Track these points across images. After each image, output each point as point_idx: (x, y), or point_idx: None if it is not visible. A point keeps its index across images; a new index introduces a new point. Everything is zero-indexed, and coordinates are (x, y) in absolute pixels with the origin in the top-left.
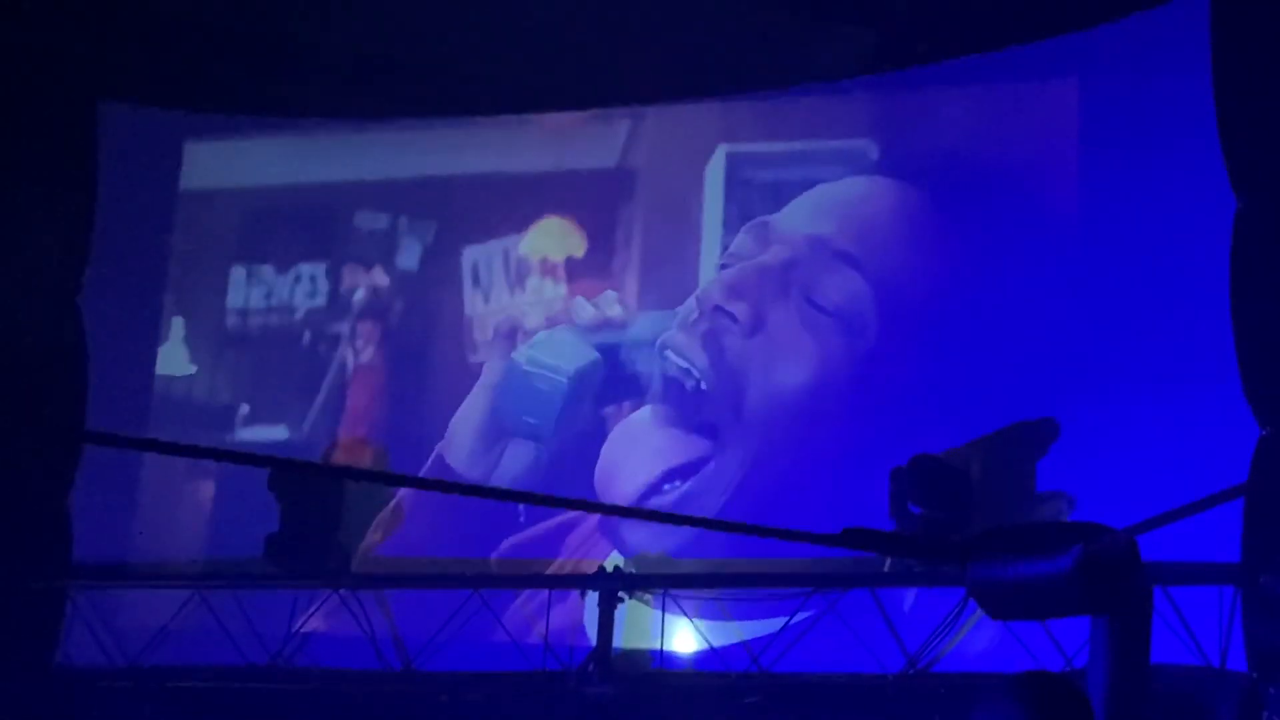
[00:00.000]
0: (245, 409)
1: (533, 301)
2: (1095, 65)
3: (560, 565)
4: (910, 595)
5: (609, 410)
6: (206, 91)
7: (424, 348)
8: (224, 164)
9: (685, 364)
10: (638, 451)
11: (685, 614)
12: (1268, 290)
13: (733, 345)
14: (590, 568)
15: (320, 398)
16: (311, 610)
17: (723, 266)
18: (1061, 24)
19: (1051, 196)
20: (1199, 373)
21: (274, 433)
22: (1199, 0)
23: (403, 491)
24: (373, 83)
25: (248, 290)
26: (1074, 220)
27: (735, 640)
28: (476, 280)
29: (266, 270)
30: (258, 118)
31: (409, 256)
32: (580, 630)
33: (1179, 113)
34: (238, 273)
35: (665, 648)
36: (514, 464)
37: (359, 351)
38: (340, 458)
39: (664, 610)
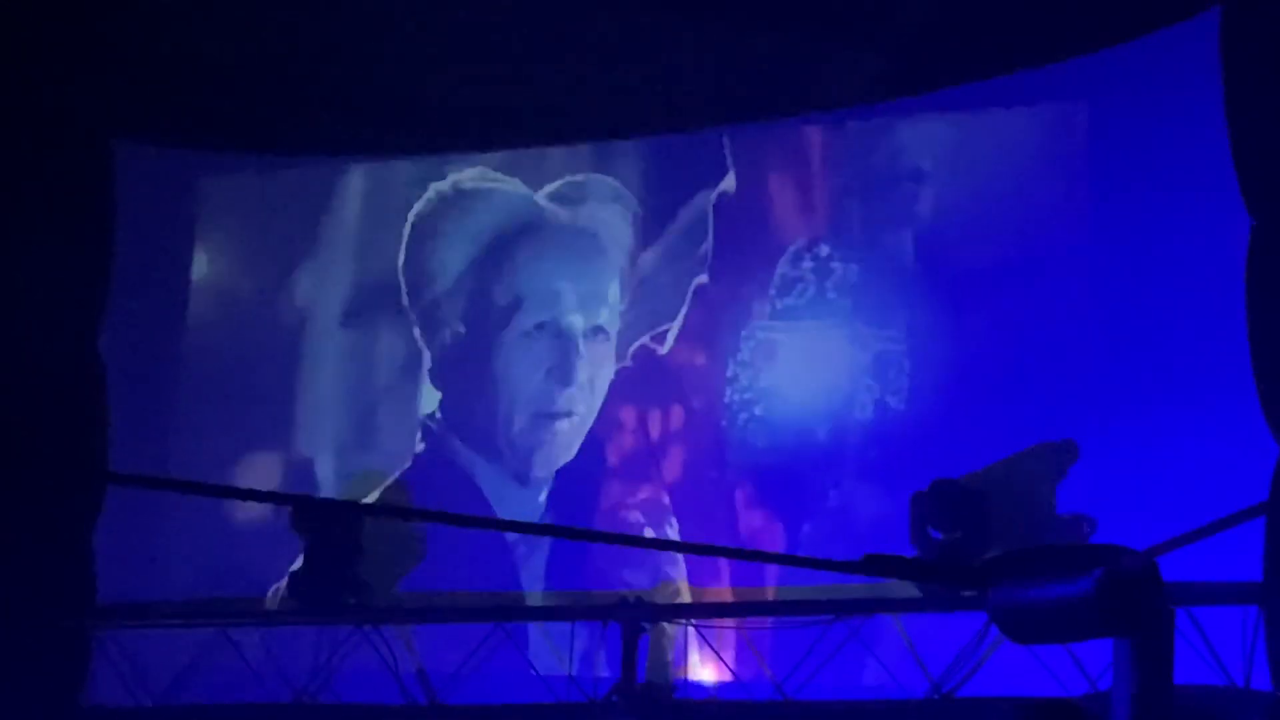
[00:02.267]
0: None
1: None
2: (1105, 87)
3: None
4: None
5: None
6: (221, 130)
7: None
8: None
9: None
10: None
11: (708, 643)
12: None
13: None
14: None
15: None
16: (336, 646)
17: None
18: (1071, 48)
19: (1066, 218)
20: (1217, 392)
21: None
22: (1209, 19)
23: (425, 525)
24: (386, 119)
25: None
26: (1089, 241)
27: (758, 669)
28: None
29: None
30: (273, 156)
31: None
32: (604, 661)
33: (1192, 132)
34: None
35: (689, 677)
36: None
37: None
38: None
39: (686, 640)
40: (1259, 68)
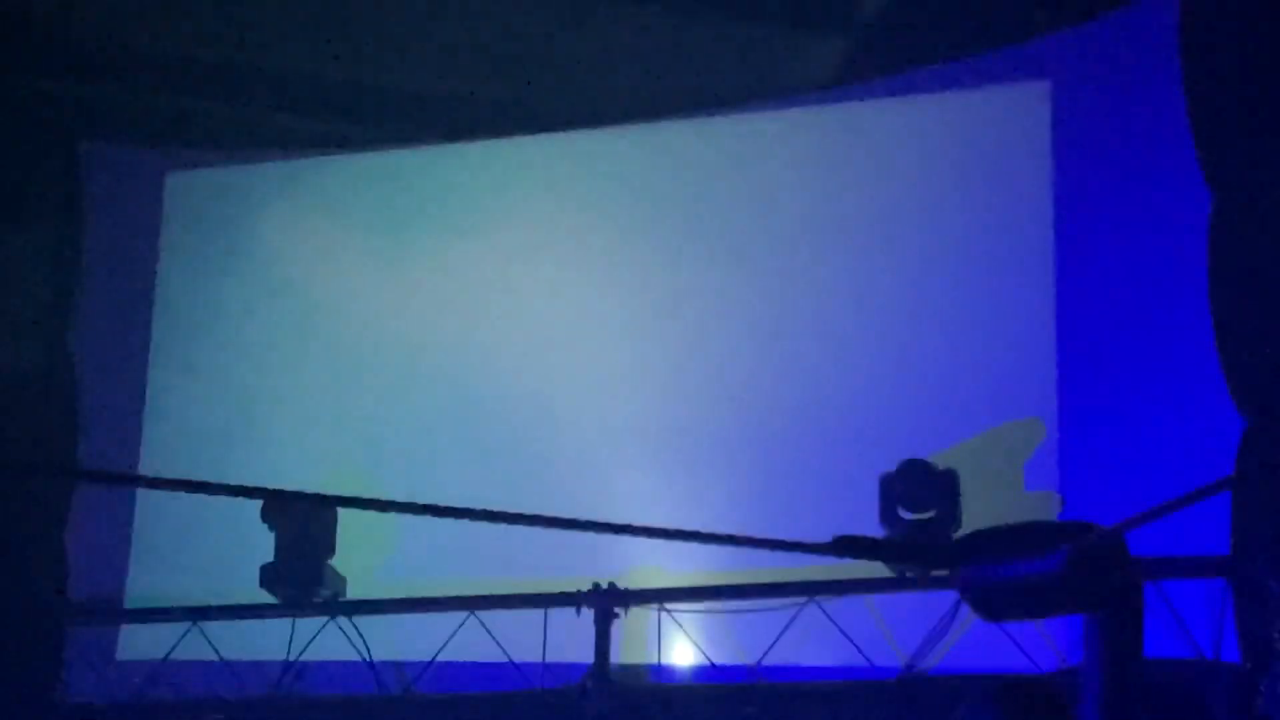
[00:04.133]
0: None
1: None
2: (1068, 67)
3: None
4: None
5: None
6: (189, 128)
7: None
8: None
9: None
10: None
11: (681, 627)
12: (1245, 282)
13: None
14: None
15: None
16: (309, 638)
17: None
18: (1033, 27)
19: (1031, 195)
20: (1183, 367)
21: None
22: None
23: (396, 515)
24: (362, 111)
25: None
26: (1054, 218)
27: (732, 651)
28: None
29: None
30: (241, 151)
31: None
32: (577, 647)
33: (1156, 109)
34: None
35: (663, 661)
36: None
37: None
38: None
39: (660, 624)
40: (1217, 42)
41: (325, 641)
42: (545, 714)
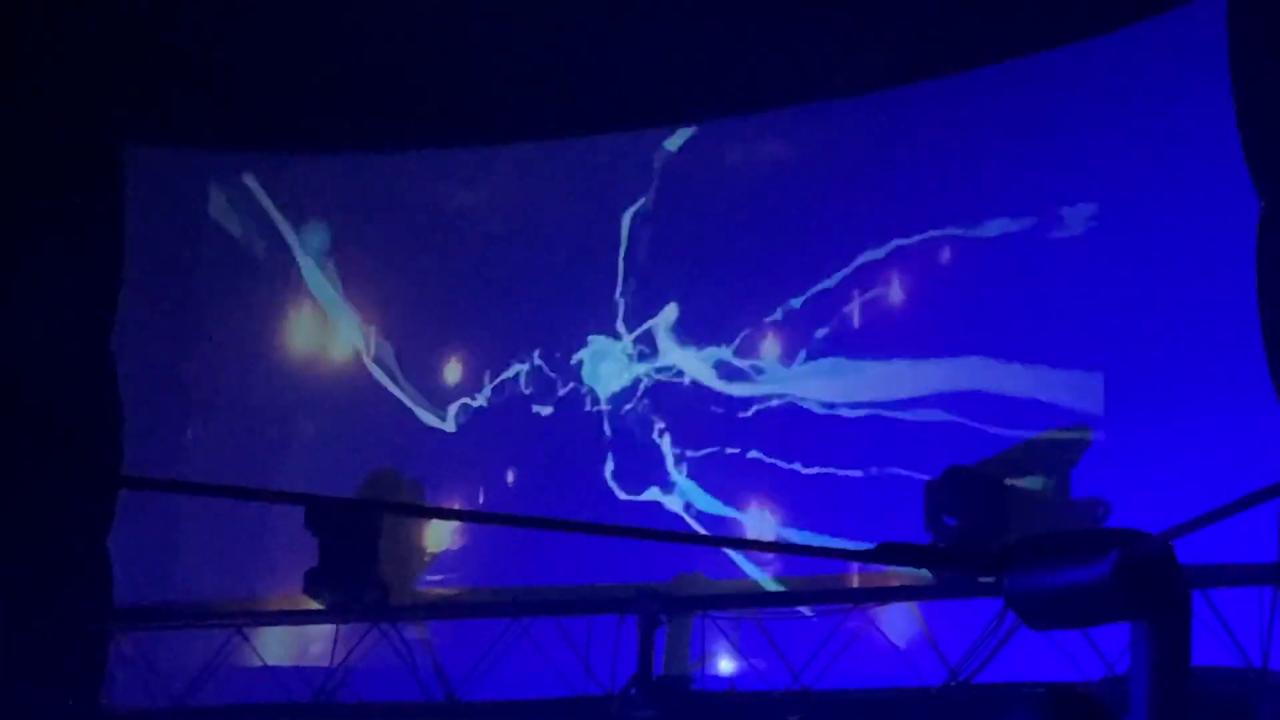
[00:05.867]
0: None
1: None
2: (1118, 71)
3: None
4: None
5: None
6: (230, 130)
7: None
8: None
9: None
10: None
11: (724, 634)
12: None
13: None
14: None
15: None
16: (353, 644)
17: None
18: (1082, 29)
19: (1077, 200)
20: (1231, 374)
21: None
22: (1217, 1)
23: (439, 522)
24: (399, 112)
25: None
26: (1100, 224)
27: (776, 658)
28: None
29: None
30: (281, 155)
31: None
32: (621, 654)
33: (1205, 116)
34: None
35: (706, 669)
36: None
37: None
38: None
39: (704, 631)
40: (1265, 48)
41: (369, 647)
42: None
